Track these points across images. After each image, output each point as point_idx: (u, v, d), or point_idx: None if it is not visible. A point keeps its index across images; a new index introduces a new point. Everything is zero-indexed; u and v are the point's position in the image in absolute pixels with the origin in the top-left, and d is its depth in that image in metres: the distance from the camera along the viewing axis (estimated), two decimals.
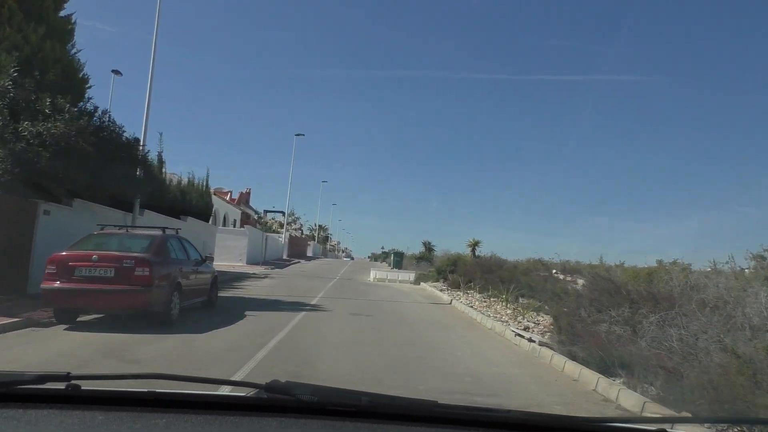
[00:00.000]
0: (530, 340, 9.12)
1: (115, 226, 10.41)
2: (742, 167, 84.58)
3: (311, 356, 7.53)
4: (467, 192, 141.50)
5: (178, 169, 30.23)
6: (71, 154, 11.07)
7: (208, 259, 11.81)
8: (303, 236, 74.67)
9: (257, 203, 72.78)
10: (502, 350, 9.13)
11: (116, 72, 27.50)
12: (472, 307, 15.58)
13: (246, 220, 52.79)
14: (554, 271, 23.75)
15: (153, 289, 8.92)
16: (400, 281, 28.65)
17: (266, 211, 75.59)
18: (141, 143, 15.36)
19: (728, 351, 5.48)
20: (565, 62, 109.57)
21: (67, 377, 1.52)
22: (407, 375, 6.75)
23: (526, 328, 11.17)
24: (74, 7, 17.98)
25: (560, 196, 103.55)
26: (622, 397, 5.82)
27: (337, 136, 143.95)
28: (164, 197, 19.54)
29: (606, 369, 6.81)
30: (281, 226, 59.61)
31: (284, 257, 50.43)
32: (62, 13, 14.51)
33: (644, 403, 5.47)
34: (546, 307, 15.83)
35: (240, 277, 23.56)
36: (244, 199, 57.42)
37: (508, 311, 14.94)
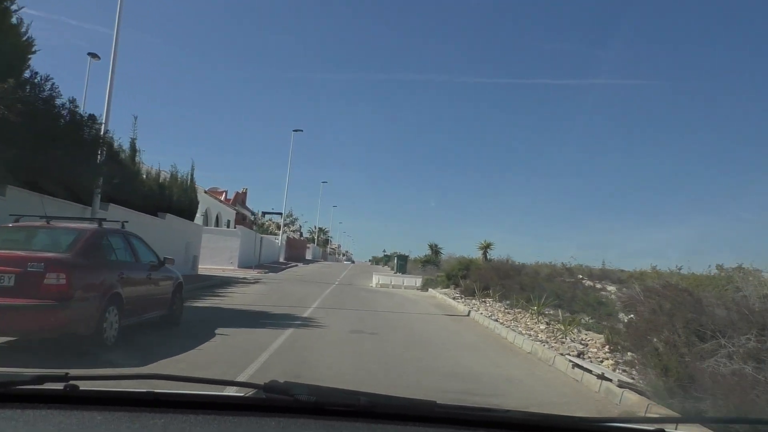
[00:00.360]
0: (602, 377, 6.50)
1: (39, 217, 7.82)
2: (741, 171, 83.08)
3: None
4: (467, 194, 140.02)
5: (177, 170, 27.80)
6: None
7: (167, 262, 9.19)
8: (302, 238, 72.00)
9: (257, 205, 70.47)
10: (567, 393, 6.52)
11: (93, 55, 24.99)
12: (496, 320, 12.96)
13: (242, 221, 50.22)
14: (580, 276, 21.16)
15: (72, 303, 6.34)
16: (406, 287, 26.04)
17: (264, 213, 73.07)
18: (100, 122, 12.77)
19: None
20: (564, 66, 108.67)
21: (65, 377, 1.51)
22: None
23: (580, 354, 8.55)
24: None
25: (558, 199, 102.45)
26: None
27: (338, 140, 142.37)
28: (137, 190, 16.97)
29: None
30: (279, 227, 56.99)
31: (281, 260, 47.82)
32: None
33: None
34: (585, 319, 13.22)
35: (227, 282, 20.97)
36: (240, 199, 54.81)
37: (541, 326, 12.34)
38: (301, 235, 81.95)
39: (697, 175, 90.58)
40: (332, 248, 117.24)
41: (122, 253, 7.87)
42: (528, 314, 14.53)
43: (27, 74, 10.66)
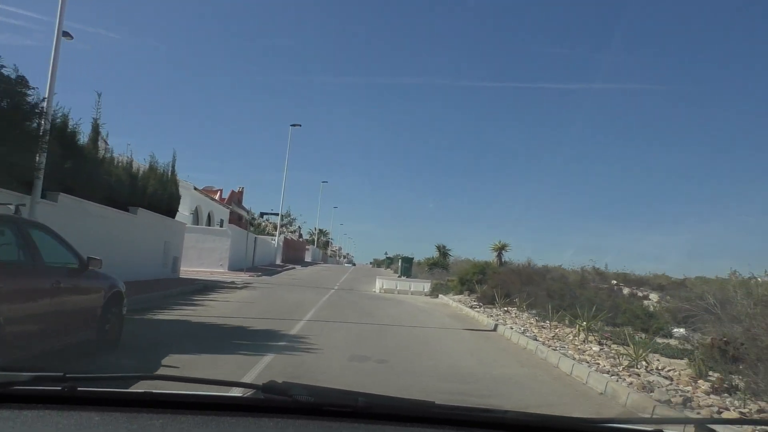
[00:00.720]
0: None
1: None
2: (741, 174, 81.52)
3: None
4: (465, 197, 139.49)
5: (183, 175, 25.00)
6: None
7: (92, 263, 6.56)
8: (301, 240, 69.30)
9: (256, 208, 67.68)
10: None
11: (66, 35, 22.36)
12: (535, 338, 10.30)
13: (237, 221, 47.57)
14: (614, 282, 18.51)
15: None
16: (413, 293, 23.40)
17: (262, 213, 70.52)
18: (35, 88, 10.16)
19: None
20: (561, 70, 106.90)
21: (63, 378, 1.51)
22: None
23: (685, 401, 5.87)
24: None
25: (556, 202, 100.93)
26: None
27: (337, 143, 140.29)
28: (99, 180, 14.35)
29: None
30: (277, 228, 54.36)
31: (277, 262, 45.17)
32: None
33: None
34: (656, 340, 10.54)
35: (210, 286, 18.34)
36: (235, 198, 52.19)
37: (593, 347, 9.70)
38: (300, 236, 79.22)
39: (695, 178, 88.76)
40: (333, 250, 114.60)
41: (6, 252, 5.23)
42: (569, 328, 11.89)
43: None
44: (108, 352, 6.65)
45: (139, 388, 1.54)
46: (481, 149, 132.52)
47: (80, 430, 1.36)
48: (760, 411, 5.52)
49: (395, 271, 49.31)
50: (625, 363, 8.20)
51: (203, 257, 28.08)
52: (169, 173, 20.34)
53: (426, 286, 23.91)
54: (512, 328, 11.69)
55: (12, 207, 6.14)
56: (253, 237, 35.34)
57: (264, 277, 27.66)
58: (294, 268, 41.18)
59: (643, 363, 8.19)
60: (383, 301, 18.72)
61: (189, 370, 5.99)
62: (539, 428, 1.51)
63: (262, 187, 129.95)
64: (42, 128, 10.37)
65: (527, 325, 12.51)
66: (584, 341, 10.33)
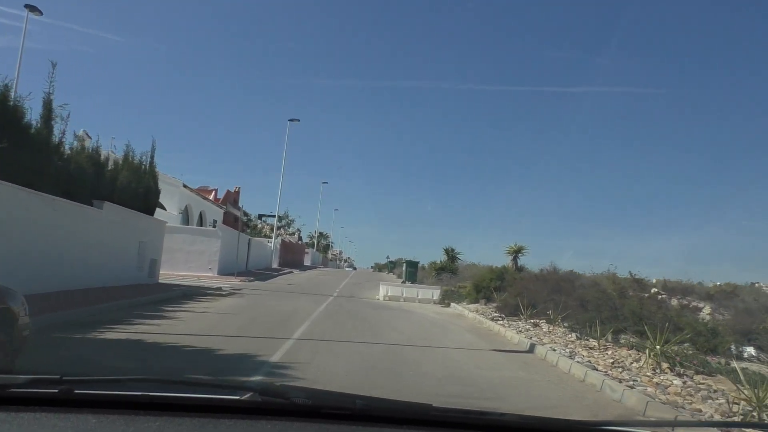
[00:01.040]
0: None
1: None
2: (740, 177, 79.49)
3: None
4: (463, 200, 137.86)
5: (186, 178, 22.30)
6: None
7: None
8: (300, 243, 66.80)
9: (255, 211, 65.28)
10: None
11: (32, 9, 20.10)
12: (595, 367, 7.89)
13: (233, 222, 45.21)
14: (655, 290, 16.09)
15: None
16: (421, 300, 21.00)
17: (261, 215, 68.12)
18: None
19: None
20: (559, 74, 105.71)
21: (60, 381, 1.50)
22: None
23: None
24: None
25: (554, 205, 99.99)
26: None
27: (338, 146, 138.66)
28: (51, 167, 12.01)
29: None
30: (274, 230, 51.99)
31: (274, 266, 42.75)
32: None
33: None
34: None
35: (190, 293, 15.98)
36: (231, 198, 49.80)
37: (672, 378, 7.32)
38: (300, 239, 76.74)
39: (694, 182, 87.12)
40: (333, 254, 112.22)
41: None
42: (625, 350, 9.50)
43: None
44: None
45: (136, 390, 1.51)
46: (479, 152, 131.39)
47: None
48: None
49: (399, 276, 46.87)
50: (737, 409, 5.82)
51: (191, 260, 25.72)
52: (147, 164, 18.01)
53: (435, 293, 21.51)
54: (554, 349, 9.30)
55: None
56: (247, 239, 32.98)
57: (257, 282, 25.28)
58: (291, 272, 38.78)
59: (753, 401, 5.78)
60: (389, 311, 16.32)
61: None
62: (537, 430, 1.51)
63: (261, 190, 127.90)
64: None
65: (570, 345, 10.12)
66: (655, 370, 7.93)
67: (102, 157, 15.38)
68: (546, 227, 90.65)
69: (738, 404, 5.90)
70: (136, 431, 1.35)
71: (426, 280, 31.42)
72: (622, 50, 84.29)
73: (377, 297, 21.32)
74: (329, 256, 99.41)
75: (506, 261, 23.90)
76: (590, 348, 9.89)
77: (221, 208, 41.23)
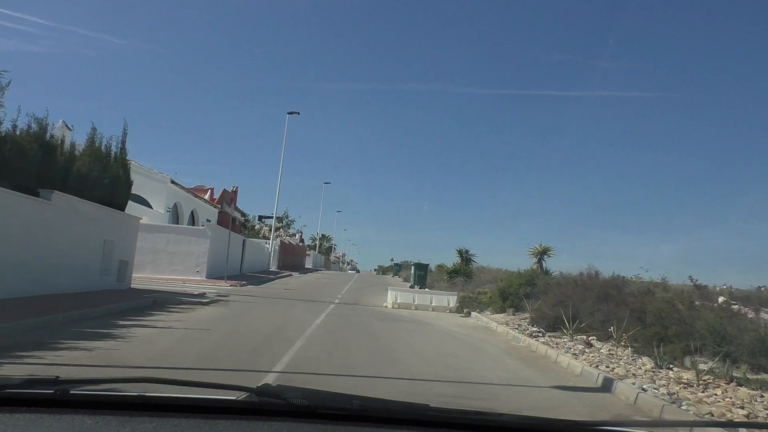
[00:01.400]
0: None
1: None
2: (738, 181, 77.46)
3: None
4: (461, 202, 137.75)
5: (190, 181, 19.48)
6: None
7: None
8: (301, 244, 64.02)
9: (254, 212, 62.75)
10: None
11: None
12: (723, 423, 5.15)
13: (231, 223, 42.57)
14: (722, 299, 13.33)
15: None
16: (435, 308, 18.30)
17: (261, 217, 65.45)
18: None
19: None
20: (558, 78, 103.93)
21: (55, 381, 1.49)
22: None
23: None
24: None
25: (551, 207, 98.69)
26: None
27: (338, 149, 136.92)
28: None
29: None
30: (274, 231, 49.32)
31: (272, 269, 40.04)
32: None
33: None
34: None
35: (163, 302, 13.32)
36: (228, 198, 47.07)
37: None
38: (302, 241, 73.96)
39: (694, 185, 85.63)
40: (336, 257, 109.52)
41: None
42: (746, 390, 6.76)
43: None
44: None
45: (132, 391, 1.50)
46: (477, 155, 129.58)
47: None
48: None
49: (405, 280, 44.06)
50: None
51: (176, 262, 23.07)
52: (117, 151, 15.36)
53: (451, 299, 18.78)
54: (644, 389, 6.56)
55: None
56: (241, 239, 30.30)
57: (249, 286, 22.61)
58: (290, 275, 36.08)
59: None
60: (401, 323, 13.61)
61: None
62: (533, 430, 1.50)
63: (262, 193, 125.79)
64: None
65: (657, 378, 7.39)
66: None
67: (58, 141, 12.72)
68: (540, 229, 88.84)
69: None
70: (131, 431, 1.33)
71: (436, 285, 28.68)
72: (619, 54, 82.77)
73: (385, 304, 18.62)
74: (332, 258, 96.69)
75: (522, 263, 21.18)
76: (683, 383, 7.17)
77: (216, 207, 38.54)
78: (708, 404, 6.04)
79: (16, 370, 5.72)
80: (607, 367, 8.08)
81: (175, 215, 29.96)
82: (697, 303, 12.47)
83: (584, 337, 11.22)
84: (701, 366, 8.30)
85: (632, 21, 79.51)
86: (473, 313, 16.72)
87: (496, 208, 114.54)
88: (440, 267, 36.37)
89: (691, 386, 7.00)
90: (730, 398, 6.33)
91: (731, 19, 78.03)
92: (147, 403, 1.48)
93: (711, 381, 7.30)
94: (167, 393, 1.53)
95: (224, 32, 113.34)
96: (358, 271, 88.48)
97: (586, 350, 9.86)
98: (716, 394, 6.58)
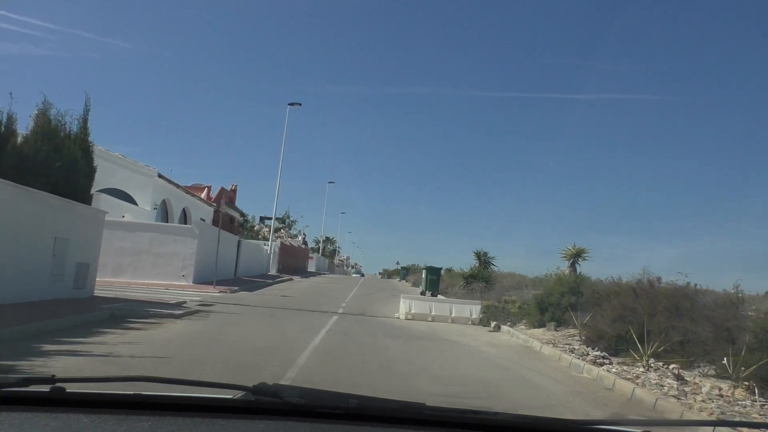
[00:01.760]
0: None
1: None
2: (735, 186, 75.64)
3: None
4: (460, 205, 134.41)
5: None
6: None
7: None
8: (304, 247, 61.33)
9: (255, 213, 60.24)
10: None
11: None
12: None
13: (229, 225, 40.04)
14: None
15: None
16: (455, 319, 15.64)
17: (262, 218, 62.91)
18: None
19: None
20: (556, 80, 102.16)
21: (51, 380, 1.46)
22: None
23: None
24: None
25: (548, 210, 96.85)
26: None
27: (339, 152, 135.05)
28: None
29: None
30: (275, 231, 46.69)
31: (271, 272, 37.39)
32: None
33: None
34: None
35: (124, 314, 10.72)
36: (226, 197, 44.47)
37: None
38: (305, 243, 71.23)
39: (693, 188, 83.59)
40: (340, 260, 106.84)
41: None
42: None
43: None
44: None
45: (129, 389, 1.48)
46: (476, 158, 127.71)
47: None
48: None
49: (414, 285, 41.28)
50: None
51: (160, 265, 20.46)
52: (76, 131, 12.77)
53: (474, 309, 16.08)
54: None
55: None
56: (236, 239, 27.67)
57: (242, 293, 19.97)
58: (291, 279, 33.42)
59: None
60: (419, 341, 10.93)
61: None
62: (530, 430, 1.50)
63: (264, 195, 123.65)
64: None
65: None
66: None
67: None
68: (535, 232, 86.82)
69: None
70: (128, 430, 1.32)
71: (450, 291, 26.00)
72: (617, 56, 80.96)
73: (396, 315, 15.94)
74: (336, 261, 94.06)
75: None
76: None
77: (211, 206, 35.95)
78: None
79: None
80: (748, 419, 5.38)
81: (163, 213, 27.39)
82: None
83: (665, 365, 8.51)
84: None
85: (630, 23, 77.96)
86: (504, 327, 14.03)
87: (495, 211, 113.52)
88: (449, 271, 33.69)
89: None
90: None
91: (729, 21, 76.11)
92: (143, 402, 1.46)
93: None
94: (163, 392, 1.50)
95: (226, 35, 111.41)
96: (362, 275, 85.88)
97: (681, 387, 7.15)
98: None
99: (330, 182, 66.96)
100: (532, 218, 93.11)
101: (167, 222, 27.15)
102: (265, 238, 44.97)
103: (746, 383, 7.41)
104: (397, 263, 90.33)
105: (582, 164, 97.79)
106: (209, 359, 7.24)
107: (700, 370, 8.81)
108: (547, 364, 9.27)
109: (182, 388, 1.57)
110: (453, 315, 15.86)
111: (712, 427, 4.00)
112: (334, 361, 7.89)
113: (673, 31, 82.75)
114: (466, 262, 41.24)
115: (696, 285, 11.96)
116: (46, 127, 11.78)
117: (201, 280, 20.86)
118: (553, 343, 10.86)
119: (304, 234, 71.09)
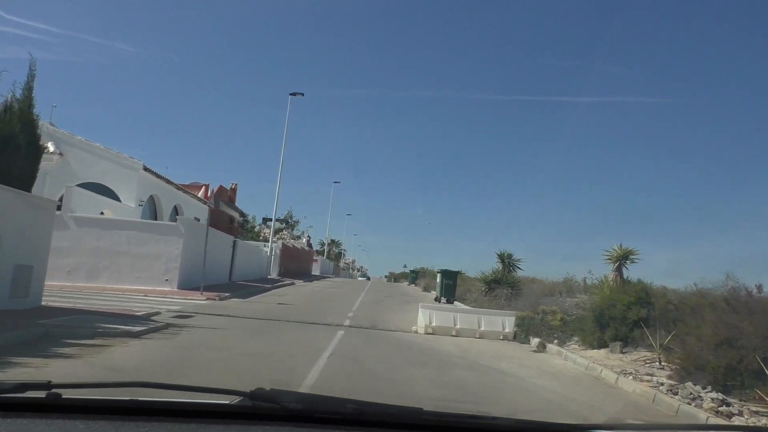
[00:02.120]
0: None
1: None
2: (734, 189, 74.21)
3: None
4: (458, 207, 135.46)
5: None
6: None
7: None
8: (308, 249, 58.69)
9: (256, 213, 57.81)
10: None
11: None
12: None
13: (228, 225, 37.51)
14: None
15: None
16: (483, 333, 12.98)
17: (265, 219, 60.42)
18: None
19: None
20: (554, 83, 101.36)
21: (47, 385, 1.44)
22: None
23: None
24: None
25: (547, 212, 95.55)
26: None
27: (340, 153, 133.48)
28: None
29: None
30: (276, 233, 44.09)
31: (271, 276, 34.74)
32: None
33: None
34: None
35: (63, 333, 8.14)
36: (225, 195, 41.94)
37: None
38: (310, 245, 68.57)
39: (692, 190, 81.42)
40: (346, 263, 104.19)
41: None
42: None
43: None
44: None
45: (125, 395, 1.45)
46: (474, 160, 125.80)
47: None
48: None
49: (425, 289, 38.57)
50: None
51: (140, 268, 17.87)
52: (17, 103, 10.21)
53: (507, 322, 13.38)
54: None
55: None
56: (230, 240, 25.05)
57: (233, 300, 17.36)
58: (292, 283, 30.77)
59: None
60: (452, 370, 8.26)
61: None
62: None
63: (267, 197, 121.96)
64: None
65: None
66: None
67: None
68: (533, 234, 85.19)
69: None
70: None
71: (468, 297, 23.29)
72: (616, 58, 79.44)
73: (414, 328, 13.28)
74: (341, 264, 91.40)
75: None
76: None
77: (206, 203, 33.38)
78: None
79: None
80: None
81: (151, 210, 24.84)
82: None
83: None
84: None
85: (630, 25, 76.23)
86: (550, 346, 11.32)
87: (495, 212, 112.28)
88: (493, 273, 30.92)
89: None
90: None
91: (729, 23, 74.16)
92: (140, 408, 1.45)
93: None
94: (160, 397, 1.49)
95: (228, 37, 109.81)
96: (368, 278, 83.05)
97: None
98: None
99: (335, 182, 64.38)
100: (531, 219, 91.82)
101: (158, 218, 24.64)
102: (267, 240, 42.37)
103: None
104: (405, 266, 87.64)
105: (578, 167, 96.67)
106: None
107: None
108: (641, 410, 6.55)
109: (179, 393, 1.52)
110: (482, 329, 13.18)
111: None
112: None
113: (672, 33, 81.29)
114: (469, 265, 38.96)
115: None
116: None
117: (188, 285, 18.26)
118: (629, 373, 8.17)
119: (308, 235, 68.34)
